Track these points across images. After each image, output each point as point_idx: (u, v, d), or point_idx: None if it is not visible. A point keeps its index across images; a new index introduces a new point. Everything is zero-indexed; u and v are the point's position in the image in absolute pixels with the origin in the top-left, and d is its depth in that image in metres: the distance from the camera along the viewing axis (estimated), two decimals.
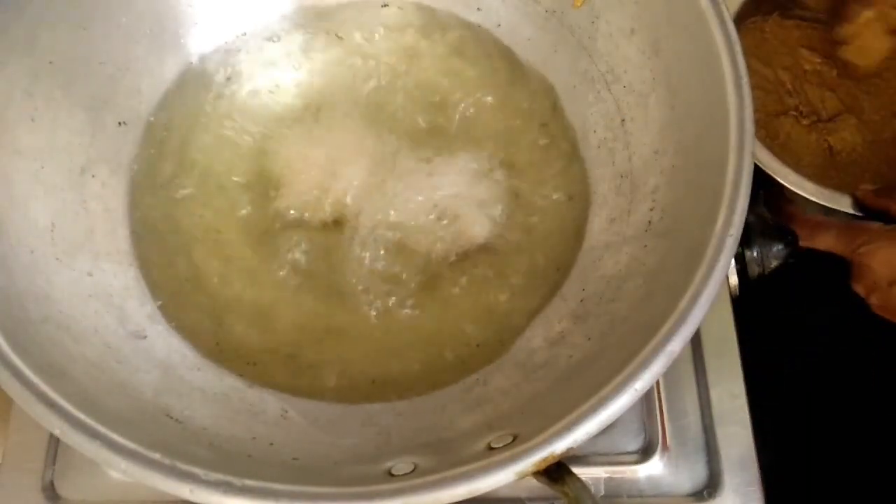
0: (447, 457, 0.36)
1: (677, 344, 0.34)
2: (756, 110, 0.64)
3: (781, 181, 0.56)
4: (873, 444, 0.55)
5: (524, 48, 0.55)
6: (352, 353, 0.47)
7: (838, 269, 0.54)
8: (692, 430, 0.48)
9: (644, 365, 0.34)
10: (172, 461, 0.32)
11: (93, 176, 0.48)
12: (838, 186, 0.57)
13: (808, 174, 0.57)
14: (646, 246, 0.44)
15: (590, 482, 0.46)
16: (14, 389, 0.34)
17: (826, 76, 0.67)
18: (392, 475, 0.35)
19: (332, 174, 0.51)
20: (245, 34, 0.56)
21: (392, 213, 0.50)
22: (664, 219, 0.44)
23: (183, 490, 0.32)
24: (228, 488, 0.32)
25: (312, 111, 0.55)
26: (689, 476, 0.47)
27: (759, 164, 0.56)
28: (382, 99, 0.55)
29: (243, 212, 0.51)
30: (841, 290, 0.54)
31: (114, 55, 0.50)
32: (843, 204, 0.56)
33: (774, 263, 0.50)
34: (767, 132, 0.65)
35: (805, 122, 0.65)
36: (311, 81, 0.55)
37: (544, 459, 0.32)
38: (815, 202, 0.56)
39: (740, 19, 0.66)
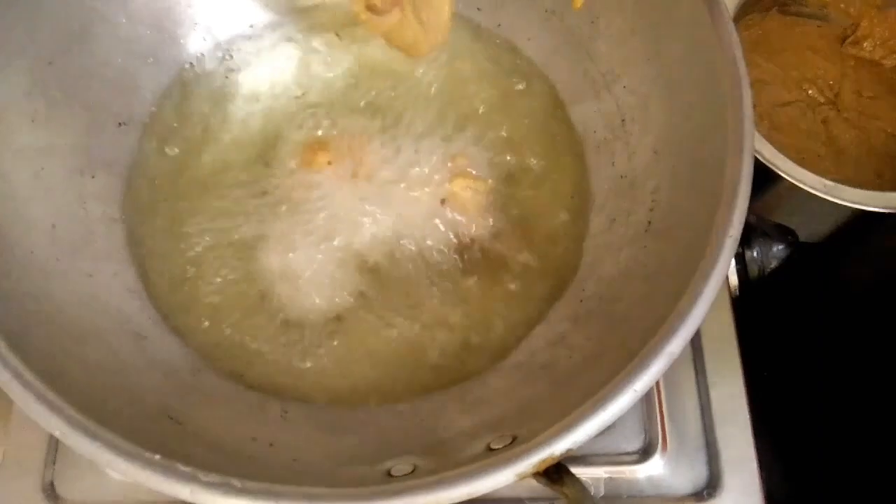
0: (447, 458, 0.36)
1: (677, 344, 0.34)
2: (758, 103, 0.64)
3: (783, 175, 0.56)
4: (873, 444, 0.55)
5: (524, 48, 0.55)
6: (352, 355, 0.47)
7: (838, 268, 0.54)
8: (692, 430, 0.48)
9: (644, 365, 0.34)
10: (172, 462, 0.32)
11: (93, 176, 0.48)
12: (840, 180, 0.57)
13: (809, 166, 0.56)
14: (646, 246, 0.44)
15: (590, 482, 0.46)
16: (14, 391, 0.34)
17: (826, 69, 0.67)
18: (391, 476, 0.35)
19: (333, 174, 0.51)
20: (244, 34, 0.56)
21: (393, 214, 0.50)
22: (664, 219, 0.44)
23: (183, 491, 0.32)
24: (228, 489, 0.32)
25: (312, 111, 0.54)
26: (689, 476, 0.47)
27: (760, 158, 0.56)
28: (382, 99, 0.55)
29: (243, 211, 0.51)
30: (841, 291, 0.54)
31: (113, 56, 0.50)
32: (845, 197, 0.56)
33: (774, 263, 0.50)
34: (770, 123, 0.65)
35: (808, 113, 0.66)
36: (311, 81, 0.55)
37: (544, 460, 0.32)
38: (816, 195, 0.56)
39: (740, 16, 0.66)
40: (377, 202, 0.50)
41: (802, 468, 0.57)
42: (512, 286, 0.49)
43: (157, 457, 0.32)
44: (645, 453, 0.47)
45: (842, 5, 0.68)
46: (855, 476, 0.55)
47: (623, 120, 0.49)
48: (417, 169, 0.51)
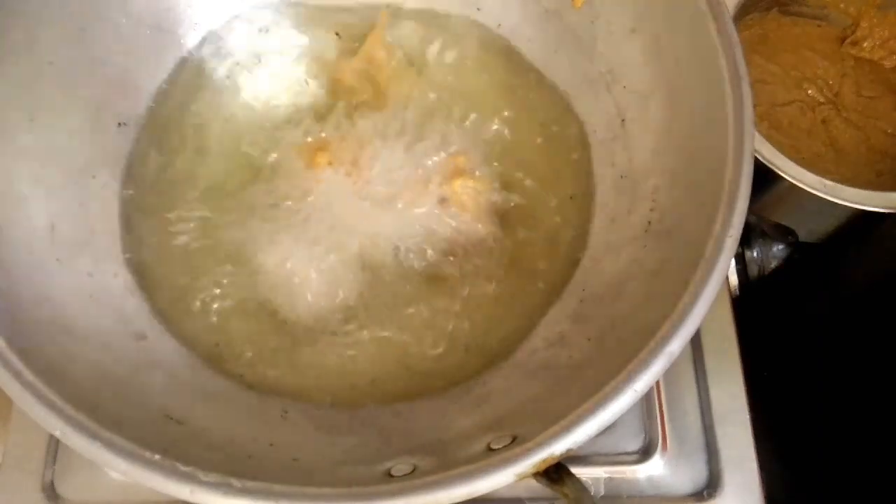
0: (446, 458, 0.36)
1: (677, 344, 0.34)
2: (758, 103, 0.64)
3: (783, 175, 0.56)
4: (873, 444, 0.55)
5: (524, 48, 0.55)
6: (352, 355, 0.47)
7: (838, 268, 0.54)
8: (692, 430, 0.48)
9: (644, 365, 0.34)
10: (172, 462, 0.32)
11: (93, 176, 0.48)
12: (840, 179, 0.57)
13: (809, 166, 0.57)
14: (646, 246, 0.44)
15: (590, 482, 0.46)
16: (14, 391, 0.34)
17: (826, 69, 0.67)
18: (391, 476, 0.35)
19: (334, 174, 0.51)
20: (245, 34, 0.56)
21: (393, 214, 0.50)
22: (664, 219, 0.44)
23: (183, 491, 0.32)
24: (229, 489, 0.32)
25: (313, 111, 0.54)
26: (689, 476, 0.47)
27: (760, 158, 0.56)
28: (381, 99, 0.55)
29: (243, 211, 0.51)
30: (841, 291, 0.54)
31: (113, 56, 0.50)
32: (844, 196, 0.56)
33: (774, 263, 0.50)
34: (770, 123, 0.65)
35: (807, 113, 0.66)
36: (312, 81, 0.55)
37: (544, 460, 0.32)
38: (816, 195, 0.56)
39: (740, 16, 0.66)
40: (377, 202, 0.50)
41: (802, 468, 0.57)
42: (512, 286, 0.49)
43: (157, 457, 0.32)
44: (645, 453, 0.47)
45: (842, 5, 0.68)
46: (855, 476, 0.55)
47: (623, 120, 0.49)
48: (417, 169, 0.51)
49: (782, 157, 0.57)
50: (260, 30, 0.56)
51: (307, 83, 0.55)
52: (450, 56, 0.56)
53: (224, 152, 0.53)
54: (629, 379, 0.34)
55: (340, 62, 0.55)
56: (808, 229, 0.61)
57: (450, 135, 0.53)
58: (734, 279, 0.50)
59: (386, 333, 0.48)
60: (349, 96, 0.55)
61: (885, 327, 0.53)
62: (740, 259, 0.50)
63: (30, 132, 0.45)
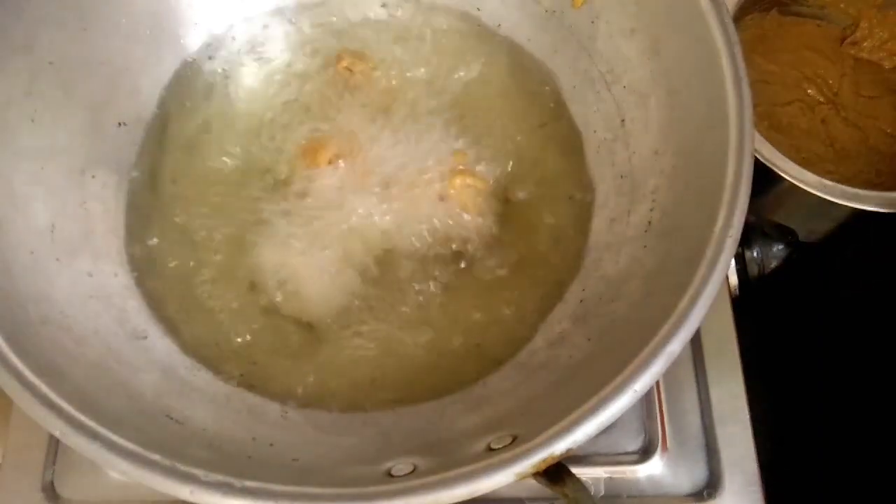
0: (447, 458, 0.36)
1: (677, 344, 0.34)
2: (758, 103, 0.64)
3: (783, 174, 0.56)
4: (873, 444, 0.55)
5: (524, 48, 0.55)
6: (351, 355, 0.47)
7: (838, 268, 0.54)
8: (692, 430, 0.48)
9: (644, 365, 0.34)
10: (172, 462, 0.32)
11: (93, 176, 0.48)
12: (839, 179, 0.57)
13: (809, 166, 0.57)
14: (645, 246, 0.44)
15: (590, 482, 0.46)
16: (14, 391, 0.34)
17: (826, 68, 0.67)
18: (392, 476, 0.35)
19: (334, 172, 0.51)
20: (244, 32, 0.56)
21: (393, 212, 0.50)
22: (664, 219, 0.44)
23: (183, 491, 0.32)
24: (228, 489, 0.32)
25: (313, 109, 0.54)
26: (689, 476, 0.47)
27: (760, 158, 0.56)
28: (382, 97, 0.55)
29: (243, 210, 0.51)
30: (841, 291, 0.54)
31: (113, 56, 0.50)
32: (844, 196, 0.56)
33: (774, 263, 0.50)
34: (770, 123, 0.65)
35: (807, 113, 0.66)
36: (312, 80, 0.55)
37: (544, 460, 0.32)
38: (816, 195, 0.56)
39: (739, 16, 0.66)
40: (377, 200, 0.50)
41: (802, 468, 0.57)
42: (512, 286, 0.49)
43: (157, 456, 0.32)
44: (645, 453, 0.47)
45: (842, 5, 0.68)
46: (855, 475, 0.55)
47: (623, 120, 0.49)
48: (418, 167, 0.51)
49: (782, 157, 0.57)
50: (260, 30, 0.56)
51: (308, 83, 0.55)
52: (450, 56, 0.56)
53: (224, 152, 0.53)
54: (629, 379, 0.34)
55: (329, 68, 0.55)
56: (808, 229, 0.61)
57: (450, 134, 0.53)
58: (734, 279, 0.50)
59: (386, 333, 0.48)
60: (349, 97, 0.55)
61: (885, 327, 0.53)
62: (740, 259, 0.50)
63: (30, 133, 0.45)
